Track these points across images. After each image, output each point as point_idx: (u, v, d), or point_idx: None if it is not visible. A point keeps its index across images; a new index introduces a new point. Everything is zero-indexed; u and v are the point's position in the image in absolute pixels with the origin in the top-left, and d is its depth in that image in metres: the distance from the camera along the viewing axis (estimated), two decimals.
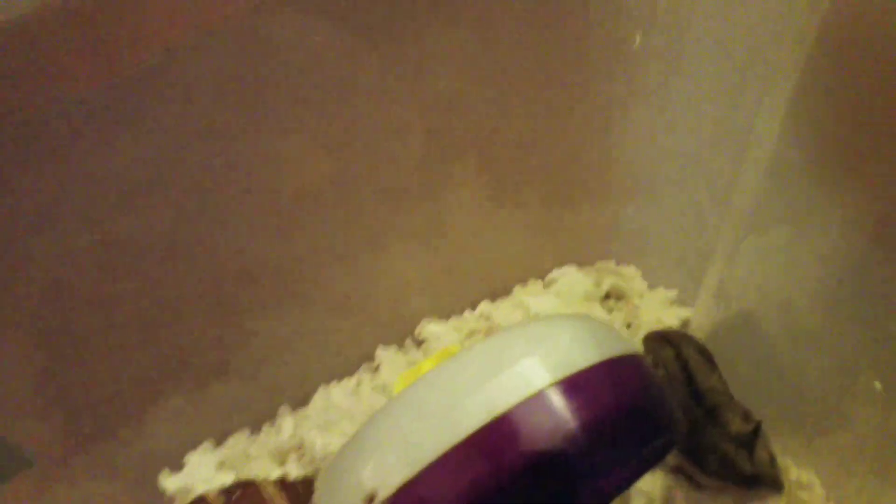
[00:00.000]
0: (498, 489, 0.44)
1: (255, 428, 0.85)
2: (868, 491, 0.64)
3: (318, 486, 0.52)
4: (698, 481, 0.69)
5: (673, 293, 0.87)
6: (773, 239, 0.68)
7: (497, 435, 0.45)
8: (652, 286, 0.90)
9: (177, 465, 0.81)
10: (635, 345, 0.78)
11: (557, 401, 0.46)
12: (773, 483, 0.61)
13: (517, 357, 0.48)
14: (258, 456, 0.80)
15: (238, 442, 0.83)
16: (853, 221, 0.57)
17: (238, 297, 0.79)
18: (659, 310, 0.86)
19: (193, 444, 0.83)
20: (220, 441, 0.84)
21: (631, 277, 0.91)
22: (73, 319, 0.67)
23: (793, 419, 0.69)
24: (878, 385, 0.57)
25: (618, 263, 0.93)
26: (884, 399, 0.57)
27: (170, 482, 0.78)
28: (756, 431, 0.62)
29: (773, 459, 0.61)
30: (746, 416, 0.64)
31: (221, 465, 0.80)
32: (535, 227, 0.90)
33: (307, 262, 0.79)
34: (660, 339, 0.75)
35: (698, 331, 0.81)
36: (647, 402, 0.50)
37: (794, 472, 0.67)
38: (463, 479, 0.44)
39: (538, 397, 0.46)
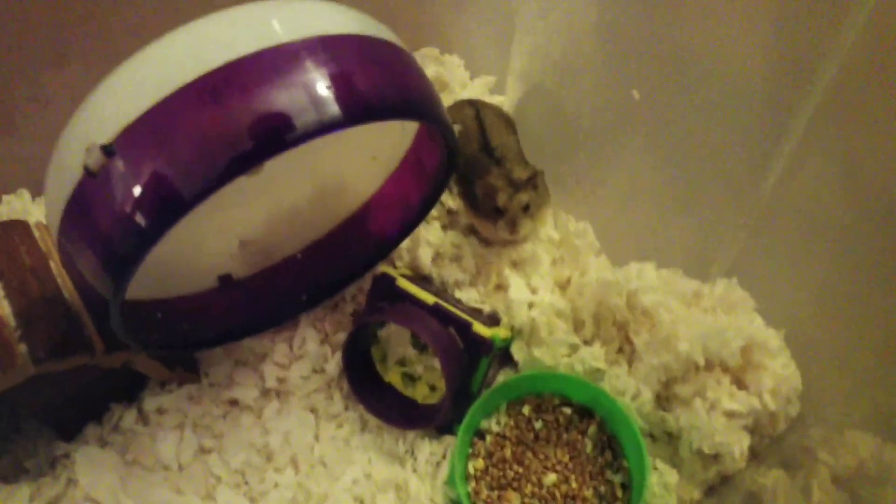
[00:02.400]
0: (225, 137, 0.42)
1: (38, 192, 0.78)
2: (631, 231, 0.68)
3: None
4: (485, 238, 0.70)
5: (492, 81, 0.87)
6: (558, 17, 0.69)
7: (231, 77, 0.42)
8: (474, 76, 0.89)
9: None
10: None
11: (301, 55, 0.44)
12: (511, 221, 0.63)
13: (267, 14, 0.45)
14: (37, 217, 0.75)
15: (15, 201, 0.77)
16: None
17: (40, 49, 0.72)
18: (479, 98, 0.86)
19: None
20: None
21: (454, 66, 0.89)
22: None
23: (575, 177, 0.71)
24: (635, 93, 0.59)
25: (442, 52, 0.91)
26: (642, 107, 0.59)
27: None
28: (530, 179, 0.64)
29: (528, 206, 0.63)
30: (529, 169, 0.66)
31: None
32: None
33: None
34: (464, 103, 0.76)
35: (510, 110, 0.81)
36: (406, 85, 0.49)
37: (573, 224, 0.70)
38: (188, 119, 0.42)
39: (281, 48, 0.44)
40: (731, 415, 0.56)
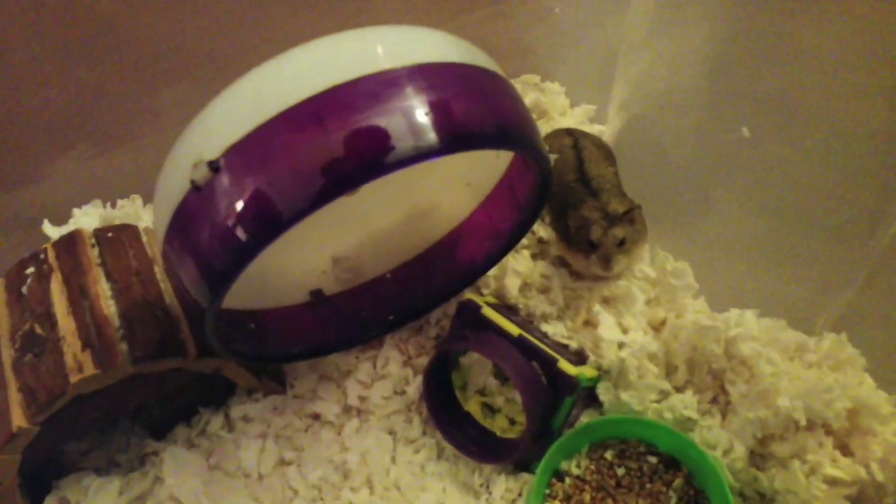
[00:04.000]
0: (325, 159, 0.42)
1: (150, 199, 0.83)
2: (733, 275, 0.65)
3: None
4: (576, 271, 0.69)
5: (592, 110, 0.85)
6: (663, 48, 0.67)
7: (334, 102, 0.43)
8: (574, 104, 0.88)
9: (65, 220, 0.80)
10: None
11: (402, 82, 0.44)
12: (604, 257, 0.61)
13: (369, 41, 0.46)
14: (147, 222, 0.79)
15: (129, 206, 0.81)
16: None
17: (155, 68, 0.77)
18: (578, 128, 0.84)
19: (85, 202, 0.81)
20: (112, 204, 0.82)
21: (554, 93, 0.88)
22: None
23: (675, 213, 0.69)
24: (745, 131, 0.56)
25: (543, 80, 0.90)
26: (748, 148, 0.56)
27: (53, 230, 0.77)
28: (627, 213, 0.62)
29: (623, 242, 0.61)
30: (627, 202, 0.64)
31: (106, 223, 0.78)
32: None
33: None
34: (562, 132, 0.75)
35: (609, 140, 0.79)
36: (503, 114, 0.48)
37: (671, 263, 0.67)
38: (290, 141, 0.43)
39: (383, 74, 0.44)
40: (832, 482, 0.52)
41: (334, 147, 0.43)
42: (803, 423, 0.54)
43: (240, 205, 0.43)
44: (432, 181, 0.65)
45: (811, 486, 0.52)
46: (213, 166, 0.44)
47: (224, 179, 0.44)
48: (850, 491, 0.53)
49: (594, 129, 0.84)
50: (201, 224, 0.45)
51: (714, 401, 0.61)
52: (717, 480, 0.55)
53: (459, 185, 0.66)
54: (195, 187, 0.45)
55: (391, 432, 0.66)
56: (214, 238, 0.45)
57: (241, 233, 0.43)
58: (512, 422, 0.66)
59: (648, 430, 0.60)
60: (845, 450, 0.54)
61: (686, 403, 0.59)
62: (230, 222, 0.44)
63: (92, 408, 0.60)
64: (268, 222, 0.43)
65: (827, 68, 0.50)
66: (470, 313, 0.64)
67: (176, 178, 0.46)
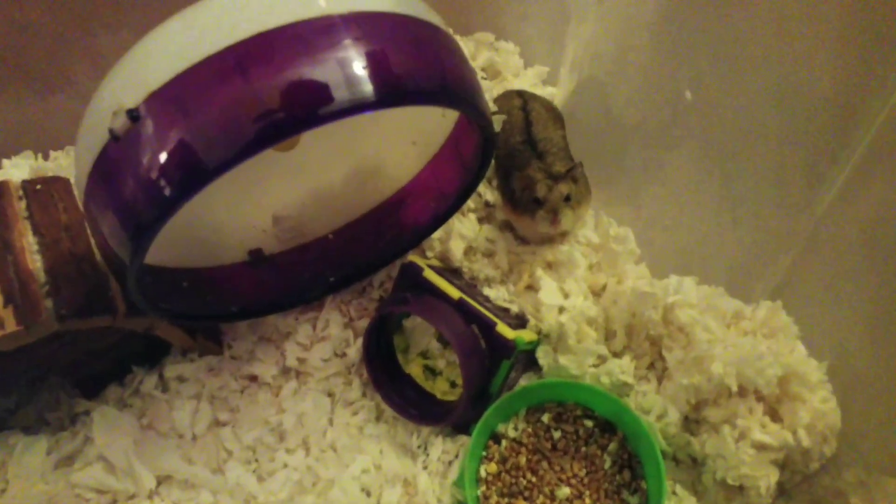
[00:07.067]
0: (250, 108, 0.40)
1: None
2: (676, 242, 0.65)
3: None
4: (522, 236, 0.68)
5: (545, 71, 0.84)
6: (613, 7, 0.65)
7: (261, 48, 0.41)
8: (528, 65, 0.86)
9: None
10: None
11: (336, 31, 0.42)
12: (552, 210, 0.60)
13: None
14: None
15: (62, 157, 0.78)
16: None
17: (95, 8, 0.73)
18: (530, 89, 0.83)
19: (15, 153, 0.78)
20: (44, 155, 0.79)
21: (509, 53, 0.86)
22: None
23: (623, 178, 0.68)
24: (687, 94, 0.55)
25: (497, 38, 0.88)
26: (694, 110, 0.56)
27: None
28: (569, 171, 0.61)
29: (569, 198, 0.60)
30: (569, 163, 0.63)
31: (38, 175, 0.75)
32: None
33: None
34: (513, 93, 0.74)
35: (560, 103, 0.78)
36: (443, 69, 0.47)
37: (614, 229, 0.67)
38: (213, 89, 0.41)
39: (315, 21, 0.42)
40: (760, 447, 0.53)
41: (260, 96, 0.40)
42: (735, 389, 0.54)
43: (162, 155, 0.41)
44: (377, 139, 0.63)
45: (739, 450, 0.53)
46: (133, 115, 0.41)
47: (145, 128, 0.42)
48: (776, 456, 0.53)
49: (547, 90, 0.82)
50: (122, 175, 0.43)
51: (651, 366, 0.61)
52: (649, 444, 0.56)
53: (405, 144, 0.64)
54: (114, 137, 0.42)
55: (330, 394, 0.65)
56: (135, 190, 0.43)
57: (162, 184, 0.41)
58: (453, 384, 0.65)
59: (585, 394, 0.60)
60: (775, 416, 0.55)
61: (623, 368, 0.59)
62: (152, 173, 0.42)
63: (17, 364, 0.58)
64: (190, 173, 0.41)
65: (774, 31, 0.50)
66: (412, 275, 0.63)
67: (95, 129, 0.44)
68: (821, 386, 0.54)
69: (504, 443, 0.60)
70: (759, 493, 0.53)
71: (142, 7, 0.73)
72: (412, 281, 0.63)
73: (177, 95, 0.41)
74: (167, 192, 0.42)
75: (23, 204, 0.62)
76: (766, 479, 0.53)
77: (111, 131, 0.42)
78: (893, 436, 0.50)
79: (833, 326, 0.55)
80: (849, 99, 0.46)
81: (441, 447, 0.61)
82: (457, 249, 0.67)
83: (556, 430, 0.60)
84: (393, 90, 0.44)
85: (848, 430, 0.53)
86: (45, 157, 0.78)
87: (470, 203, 0.69)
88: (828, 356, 0.55)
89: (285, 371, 0.66)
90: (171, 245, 0.55)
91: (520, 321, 0.63)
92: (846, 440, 0.53)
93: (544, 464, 0.59)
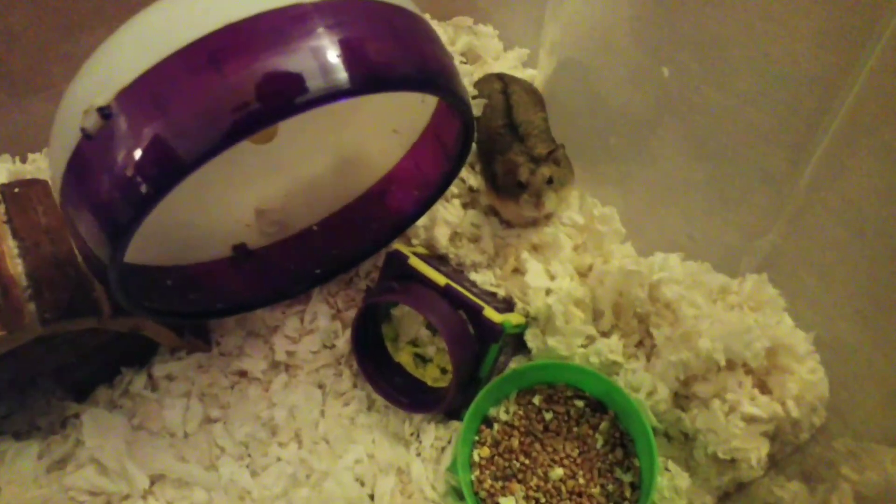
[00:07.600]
0: (223, 100, 0.40)
1: None
2: (661, 219, 0.65)
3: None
4: (507, 220, 0.68)
5: (525, 53, 0.83)
6: None
7: (232, 39, 0.40)
8: (508, 48, 0.86)
9: None
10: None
11: (309, 18, 0.42)
12: (535, 193, 0.60)
13: None
14: None
15: (41, 160, 0.77)
16: None
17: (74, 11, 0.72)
18: (510, 72, 0.82)
19: None
20: (22, 158, 0.78)
21: (488, 37, 0.86)
22: None
23: (606, 158, 0.68)
24: (664, 70, 0.55)
25: (476, 22, 0.87)
26: (675, 89, 0.55)
27: None
28: (551, 153, 0.61)
29: (552, 180, 0.60)
30: (551, 144, 0.63)
31: (16, 178, 0.74)
32: None
33: None
34: (493, 77, 0.73)
35: (540, 85, 0.78)
36: (418, 54, 0.46)
37: (598, 209, 0.67)
38: (184, 83, 0.40)
39: (287, 10, 0.42)
40: (750, 419, 0.53)
41: (234, 86, 0.40)
42: (723, 363, 0.54)
43: (136, 151, 0.41)
44: (357, 128, 0.62)
45: (730, 424, 0.53)
46: (104, 112, 0.41)
47: (117, 125, 0.41)
48: (766, 428, 0.54)
49: (527, 73, 0.82)
50: (97, 174, 0.42)
51: (640, 344, 0.61)
52: (640, 422, 0.56)
53: (386, 132, 0.64)
54: (86, 136, 0.42)
55: (320, 386, 0.65)
56: (111, 188, 0.42)
57: (138, 181, 0.41)
58: (443, 371, 0.65)
59: (575, 374, 0.60)
60: (764, 388, 0.55)
61: (612, 348, 0.59)
62: (127, 170, 0.41)
63: (5, 370, 0.57)
64: (166, 168, 0.41)
65: (759, 10, 0.49)
66: (397, 264, 0.63)
67: (68, 128, 0.43)
68: (808, 357, 0.54)
69: (496, 426, 0.60)
70: (750, 466, 0.53)
71: (125, 7, 0.73)
72: (398, 269, 0.63)
73: (149, 91, 0.40)
74: (143, 188, 0.41)
75: (1, 208, 0.61)
76: (757, 451, 0.53)
77: (83, 130, 0.42)
78: (881, 404, 0.50)
79: (819, 297, 0.55)
80: (826, 70, 0.46)
81: (433, 434, 0.61)
82: (442, 236, 0.66)
83: (547, 411, 0.60)
84: (367, 77, 0.43)
85: (836, 400, 0.54)
86: (24, 160, 0.77)
87: (454, 188, 0.68)
88: (814, 328, 0.55)
89: (275, 365, 0.66)
90: (152, 243, 0.55)
91: (507, 305, 0.63)
92: (835, 410, 0.54)
93: (537, 445, 0.59)
